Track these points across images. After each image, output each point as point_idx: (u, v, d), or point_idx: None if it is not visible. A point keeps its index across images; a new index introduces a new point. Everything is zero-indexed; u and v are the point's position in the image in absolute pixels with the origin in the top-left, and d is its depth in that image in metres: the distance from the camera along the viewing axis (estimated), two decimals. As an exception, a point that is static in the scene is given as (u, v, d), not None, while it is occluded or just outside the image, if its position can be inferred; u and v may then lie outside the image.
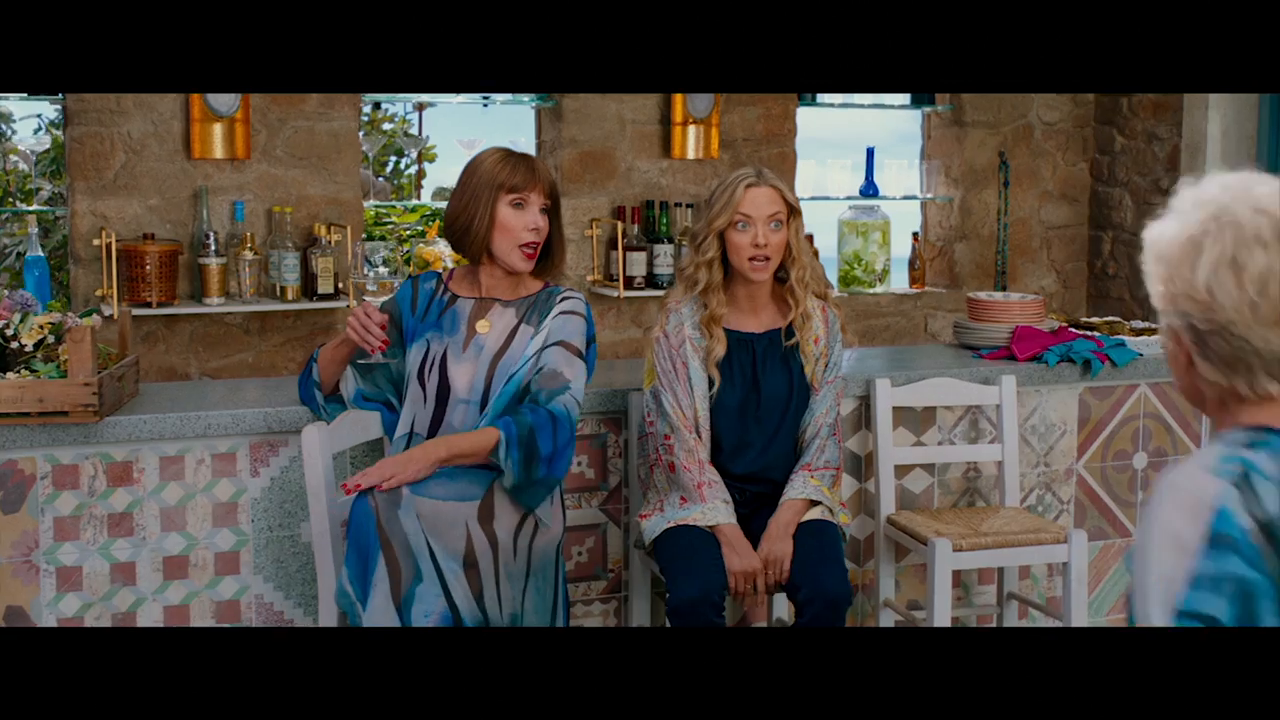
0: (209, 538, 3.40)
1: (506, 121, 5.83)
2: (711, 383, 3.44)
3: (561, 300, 3.34)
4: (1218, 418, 1.82)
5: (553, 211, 3.33)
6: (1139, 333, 4.36)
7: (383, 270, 3.21)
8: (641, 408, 3.56)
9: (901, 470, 3.99)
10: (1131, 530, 4.24)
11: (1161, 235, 1.76)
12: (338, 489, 3.12)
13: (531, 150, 5.86)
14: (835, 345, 3.53)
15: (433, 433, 3.25)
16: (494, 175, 3.26)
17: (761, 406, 3.47)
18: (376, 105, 9.61)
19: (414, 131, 9.80)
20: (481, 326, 3.30)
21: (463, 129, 6.15)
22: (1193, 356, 1.77)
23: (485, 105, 6.76)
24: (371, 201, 5.80)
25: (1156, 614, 1.66)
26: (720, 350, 3.43)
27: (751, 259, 3.41)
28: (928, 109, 6.36)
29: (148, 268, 4.95)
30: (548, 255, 3.37)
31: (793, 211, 3.45)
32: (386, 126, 9.67)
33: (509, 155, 3.31)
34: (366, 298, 3.21)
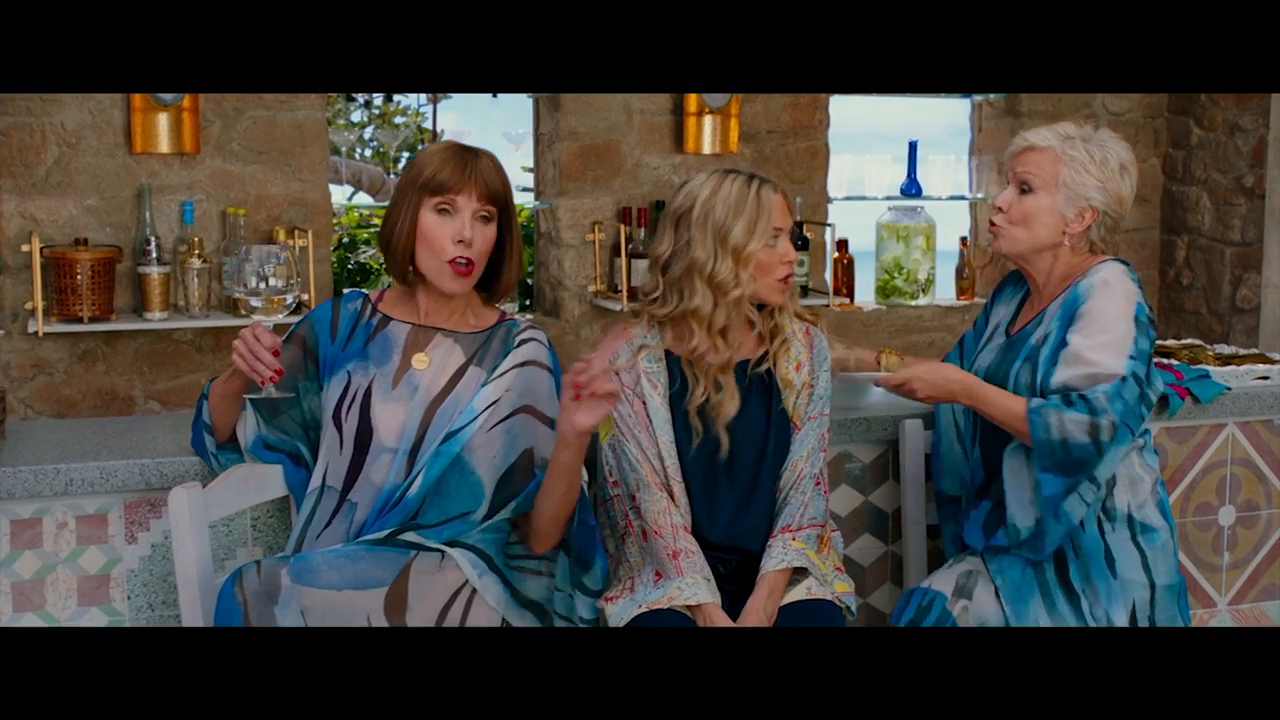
0: (74, 619, 2.77)
1: (516, 112, 5.18)
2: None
3: (521, 343, 2.69)
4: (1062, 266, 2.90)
5: (502, 222, 2.68)
6: (1225, 360, 3.64)
7: (274, 282, 2.55)
8: (603, 465, 2.88)
9: (938, 531, 3.29)
10: (1218, 602, 3.53)
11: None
12: (218, 569, 2.49)
13: (529, 144, 5.23)
14: (821, 374, 2.85)
15: (348, 487, 2.61)
16: (419, 172, 2.62)
17: (735, 455, 2.80)
18: (388, 97, 9.03)
19: (428, 125, 9.22)
20: (419, 361, 2.66)
21: (473, 121, 5.53)
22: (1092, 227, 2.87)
23: (495, 96, 6.20)
24: (341, 201, 5.17)
25: (1113, 360, 2.71)
26: (732, 407, 2.78)
27: (785, 279, 2.77)
28: (978, 98, 5.66)
29: (79, 277, 4.33)
30: (496, 275, 2.73)
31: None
32: (399, 120, 9.10)
33: (446, 149, 2.66)
34: (256, 317, 2.56)
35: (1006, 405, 2.74)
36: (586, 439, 2.52)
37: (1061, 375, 2.72)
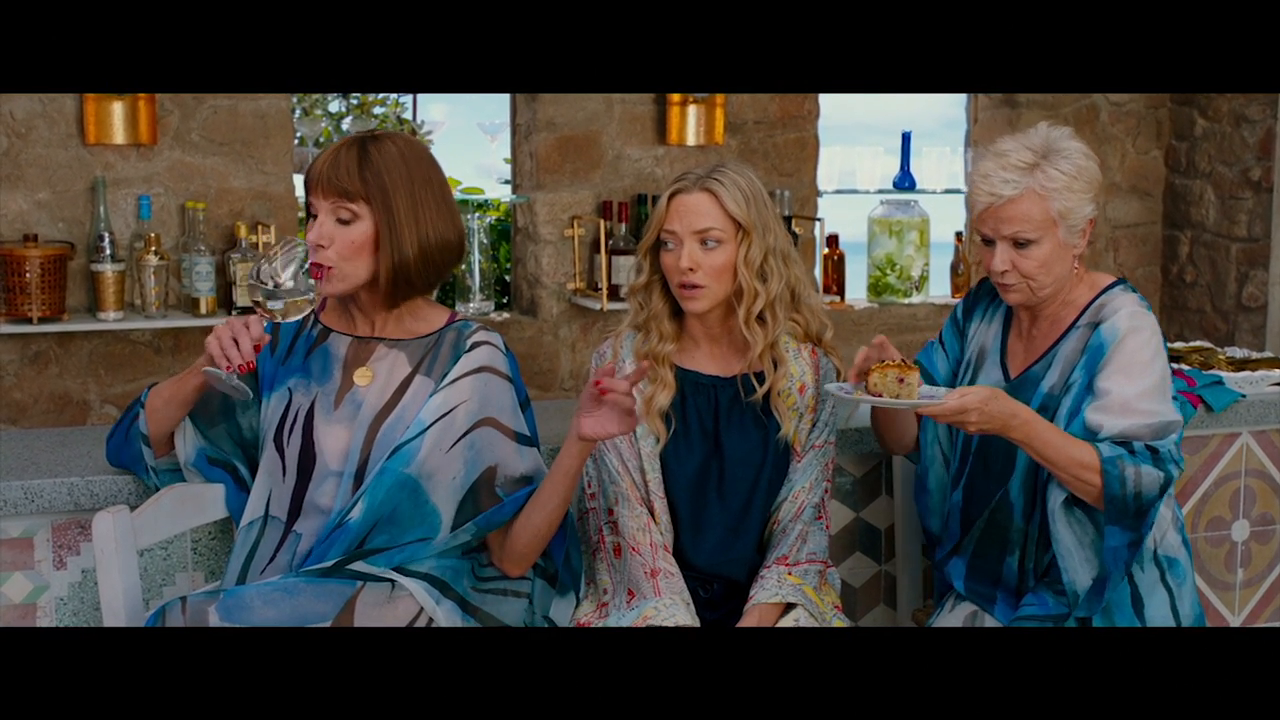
0: (-4, 651, 2.55)
1: (498, 102, 4.99)
2: (657, 439, 2.58)
3: (473, 347, 2.44)
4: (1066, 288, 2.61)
5: (386, 216, 2.35)
6: (1239, 365, 3.43)
7: (289, 284, 2.32)
8: (582, 477, 2.68)
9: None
10: (1230, 622, 3.32)
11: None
12: (155, 596, 2.27)
13: (506, 136, 5.01)
14: (827, 399, 2.64)
15: (294, 515, 2.39)
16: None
17: (725, 475, 2.60)
18: (367, 87, 8.82)
19: (407, 115, 9.00)
20: (361, 376, 2.42)
21: (452, 111, 5.33)
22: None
23: (474, 86, 6.00)
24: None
25: (1165, 407, 2.51)
26: (664, 398, 2.57)
27: (680, 286, 2.56)
28: (974, 87, 5.45)
29: (28, 276, 4.11)
30: (402, 277, 2.40)
31: (740, 230, 2.57)
32: (378, 110, 8.87)
33: (337, 146, 2.42)
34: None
35: (1070, 452, 2.44)
36: (588, 449, 2.35)
37: (1116, 423, 2.46)
